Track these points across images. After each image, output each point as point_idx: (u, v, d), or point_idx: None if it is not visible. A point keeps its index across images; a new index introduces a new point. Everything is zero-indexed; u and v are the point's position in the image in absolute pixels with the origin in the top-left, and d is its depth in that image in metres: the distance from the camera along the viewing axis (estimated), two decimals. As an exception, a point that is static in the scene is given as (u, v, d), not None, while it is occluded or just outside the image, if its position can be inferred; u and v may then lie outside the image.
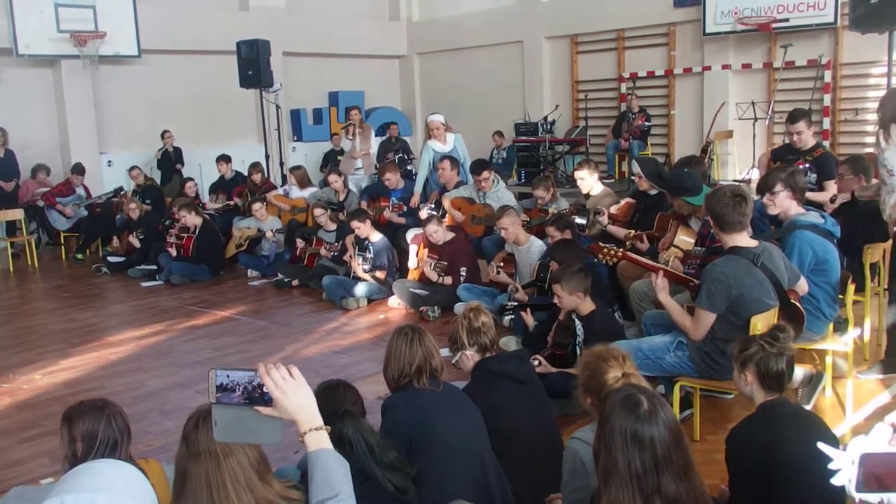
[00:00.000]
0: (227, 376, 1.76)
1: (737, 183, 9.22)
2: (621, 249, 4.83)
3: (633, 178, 6.82)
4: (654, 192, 6.28)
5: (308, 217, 9.49)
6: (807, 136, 6.31)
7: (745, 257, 3.92)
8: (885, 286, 5.61)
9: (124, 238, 9.83)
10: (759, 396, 2.91)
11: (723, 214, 3.94)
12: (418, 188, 8.73)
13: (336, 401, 2.78)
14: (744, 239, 4.00)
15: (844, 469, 1.50)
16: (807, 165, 6.23)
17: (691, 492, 2.05)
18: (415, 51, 15.95)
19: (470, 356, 3.58)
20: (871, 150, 5.84)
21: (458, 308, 6.81)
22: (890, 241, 5.19)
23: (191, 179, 10.91)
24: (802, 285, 4.28)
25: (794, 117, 6.44)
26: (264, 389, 1.76)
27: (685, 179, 5.45)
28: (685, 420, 4.28)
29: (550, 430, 3.56)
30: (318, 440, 1.82)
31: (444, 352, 3.48)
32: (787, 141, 6.73)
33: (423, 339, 3.10)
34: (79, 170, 11.04)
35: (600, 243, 5.09)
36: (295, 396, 1.78)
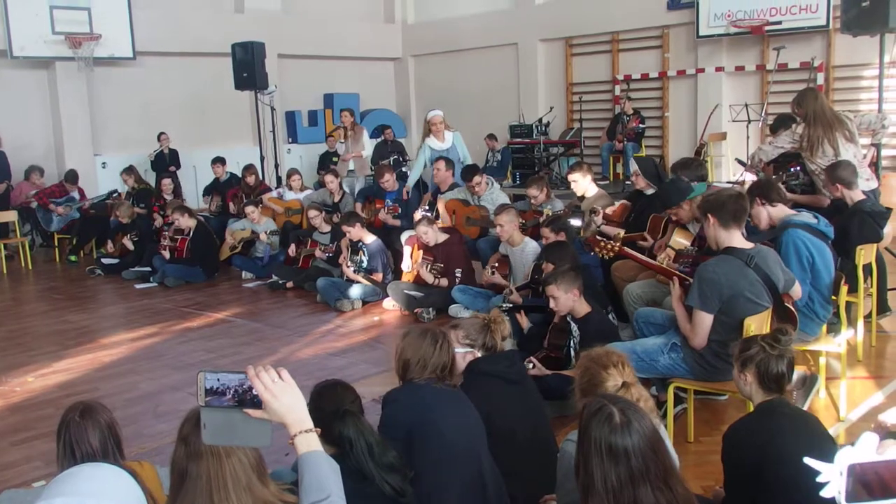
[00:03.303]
0: (217, 379, 1.75)
1: (731, 184, 9.25)
2: (618, 244, 4.83)
3: (628, 180, 6.83)
4: (649, 191, 6.29)
5: (303, 219, 9.49)
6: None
7: (738, 258, 3.93)
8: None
9: (118, 240, 9.81)
10: (758, 397, 2.92)
11: (724, 203, 3.99)
12: (410, 184, 8.71)
13: (336, 400, 2.78)
14: (739, 239, 4.02)
15: (833, 481, 1.51)
16: (798, 168, 6.26)
17: (673, 500, 2.03)
18: (410, 53, 15.96)
19: (472, 357, 3.57)
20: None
21: (454, 310, 6.82)
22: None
23: (168, 178, 10.74)
24: (797, 290, 4.28)
25: (774, 128, 6.59)
26: (254, 392, 1.75)
27: (677, 185, 5.47)
28: (678, 416, 4.29)
29: (544, 431, 3.56)
30: (309, 442, 1.81)
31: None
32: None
33: (448, 345, 3.16)
34: (72, 178, 11.02)
35: (597, 237, 5.10)
36: (285, 399, 1.77)
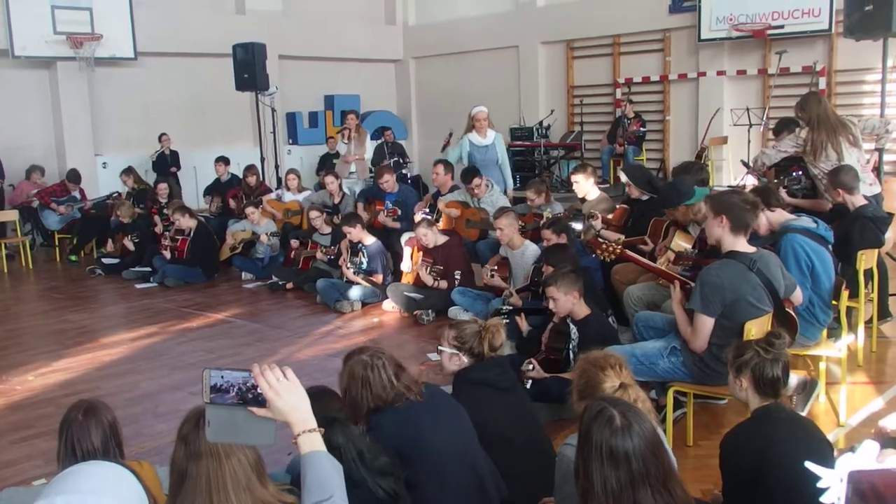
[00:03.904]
0: (222, 377, 1.75)
1: (732, 188, 9.25)
2: (620, 246, 4.83)
3: (625, 187, 6.83)
4: (645, 197, 6.30)
5: (303, 220, 9.49)
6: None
7: (740, 262, 3.93)
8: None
9: (119, 240, 9.81)
10: (755, 402, 2.92)
11: (742, 210, 3.96)
12: (453, 159, 8.64)
13: (324, 408, 2.77)
14: (743, 244, 4.01)
15: (833, 487, 1.51)
16: (800, 172, 6.27)
17: (671, 503, 2.04)
18: (411, 55, 15.96)
19: (458, 361, 3.57)
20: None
21: (453, 312, 6.82)
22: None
23: (163, 182, 10.71)
24: (798, 295, 4.28)
25: (776, 131, 6.58)
26: (258, 390, 1.75)
27: (679, 187, 5.46)
28: (678, 420, 4.29)
29: (538, 436, 3.55)
30: (312, 442, 1.82)
31: (434, 356, 3.46)
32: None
33: (386, 363, 2.91)
34: (74, 178, 11.03)
35: (599, 239, 5.10)
36: (289, 398, 1.77)
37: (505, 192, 8.49)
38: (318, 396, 2.84)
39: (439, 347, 3.62)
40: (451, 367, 3.58)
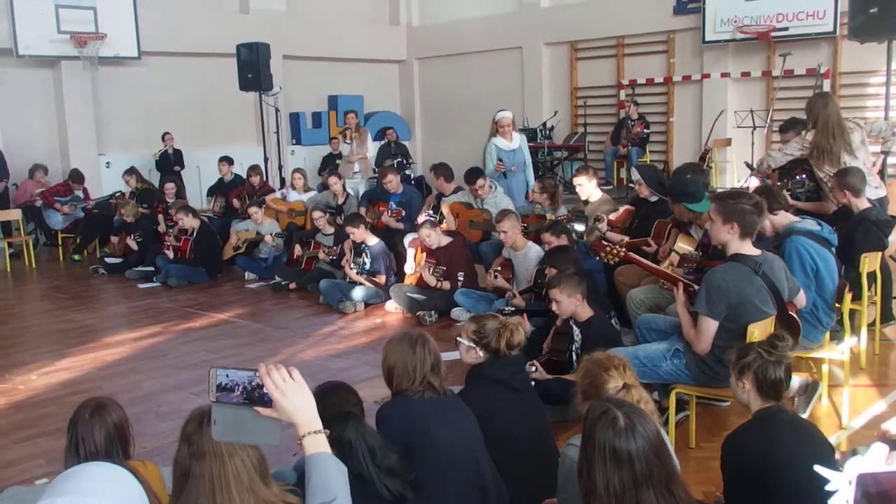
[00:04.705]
0: (227, 376, 1.75)
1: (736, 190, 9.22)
2: (623, 249, 4.82)
3: (632, 185, 6.83)
4: (653, 198, 6.29)
5: (306, 220, 9.50)
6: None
7: (746, 265, 3.92)
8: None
9: (122, 239, 9.83)
10: (757, 404, 2.92)
11: (753, 218, 3.93)
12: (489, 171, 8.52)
13: (339, 402, 2.78)
14: (748, 247, 4.00)
15: (842, 490, 1.50)
16: (804, 175, 6.26)
17: None
18: (414, 56, 15.97)
19: (475, 355, 3.59)
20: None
21: (456, 313, 6.82)
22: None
23: (171, 181, 10.71)
24: (801, 298, 4.27)
25: (783, 129, 6.56)
26: (264, 390, 1.75)
27: (688, 185, 5.45)
28: (681, 423, 4.29)
29: (545, 438, 3.56)
30: (317, 443, 1.81)
31: (444, 355, 3.48)
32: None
33: (431, 347, 3.08)
34: (77, 178, 11.04)
35: (603, 241, 5.09)
36: (294, 398, 1.77)
37: (527, 194, 8.46)
38: (335, 390, 2.87)
39: (458, 339, 3.67)
40: (468, 359, 3.64)
